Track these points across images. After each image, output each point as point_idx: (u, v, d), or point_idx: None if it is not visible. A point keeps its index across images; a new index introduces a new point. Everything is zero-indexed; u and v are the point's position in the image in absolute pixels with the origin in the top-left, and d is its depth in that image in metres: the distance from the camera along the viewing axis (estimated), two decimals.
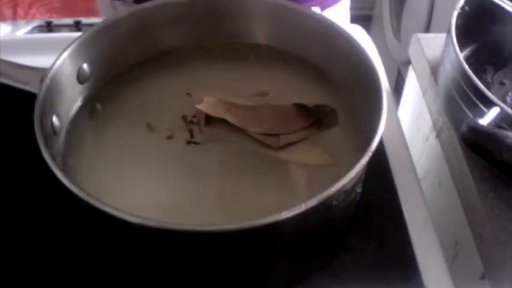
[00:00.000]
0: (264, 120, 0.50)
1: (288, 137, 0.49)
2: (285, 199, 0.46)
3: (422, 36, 0.74)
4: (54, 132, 0.48)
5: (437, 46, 0.71)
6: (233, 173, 0.49)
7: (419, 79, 0.75)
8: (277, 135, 0.49)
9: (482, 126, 0.53)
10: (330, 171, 0.48)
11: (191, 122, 0.52)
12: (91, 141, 0.52)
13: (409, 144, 0.61)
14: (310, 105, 0.50)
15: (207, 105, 0.51)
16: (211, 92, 0.53)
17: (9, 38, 0.73)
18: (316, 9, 0.58)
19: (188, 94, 0.54)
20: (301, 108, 0.50)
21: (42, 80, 0.47)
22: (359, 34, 0.72)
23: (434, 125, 0.69)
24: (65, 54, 0.50)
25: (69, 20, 0.77)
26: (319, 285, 0.48)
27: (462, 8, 0.63)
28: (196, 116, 0.52)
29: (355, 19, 0.89)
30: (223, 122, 0.51)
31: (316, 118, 0.50)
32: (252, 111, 0.51)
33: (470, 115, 0.57)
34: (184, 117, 0.53)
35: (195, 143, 0.51)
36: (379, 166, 0.57)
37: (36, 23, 0.77)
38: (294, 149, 0.49)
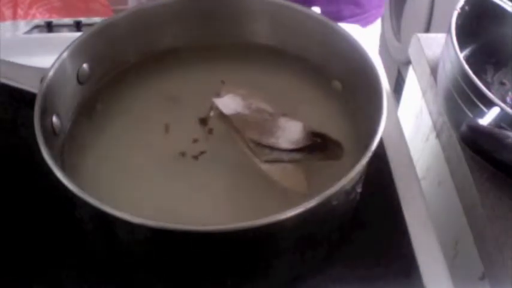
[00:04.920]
0: (265, 130, 0.49)
1: (280, 153, 0.48)
2: (284, 201, 0.46)
3: (422, 36, 0.75)
4: (54, 132, 0.48)
5: (437, 46, 0.71)
6: (230, 175, 0.49)
7: (419, 79, 0.75)
8: (271, 148, 0.49)
9: (482, 126, 0.53)
10: (330, 172, 0.48)
11: (204, 120, 0.52)
12: (91, 141, 0.51)
13: (409, 144, 0.61)
14: (316, 131, 0.48)
15: (223, 101, 0.51)
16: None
17: (9, 38, 0.73)
18: (316, 9, 0.58)
19: (222, 81, 0.55)
20: (308, 130, 0.49)
21: (42, 80, 0.47)
22: (359, 34, 0.72)
23: (434, 125, 0.69)
24: (65, 54, 0.50)
25: (69, 20, 0.77)
26: (319, 285, 0.48)
27: (462, 8, 0.63)
28: (212, 109, 0.52)
29: None
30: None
31: (318, 144, 0.49)
32: (257, 118, 0.50)
33: (470, 115, 0.57)
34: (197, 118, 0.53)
35: (202, 152, 0.51)
36: (379, 166, 0.57)
37: (36, 23, 0.77)
38: (277, 166, 0.48)
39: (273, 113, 0.51)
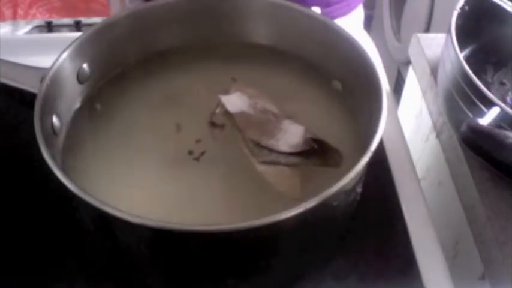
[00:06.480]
0: (266, 131, 0.49)
1: (278, 156, 0.48)
2: (284, 201, 0.46)
3: (422, 36, 0.75)
4: (54, 132, 0.48)
5: (437, 46, 0.71)
6: (231, 175, 0.49)
7: (419, 79, 0.75)
8: (270, 150, 0.49)
9: (482, 126, 0.53)
10: (329, 172, 0.48)
11: (214, 123, 0.52)
12: (91, 141, 0.52)
13: (409, 144, 0.62)
14: (316, 137, 0.48)
15: (229, 98, 0.51)
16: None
17: (9, 38, 0.74)
18: (316, 9, 0.58)
19: (233, 79, 0.55)
20: (308, 135, 0.49)
21: (42, 80, 0.47)
22: (359, 34, 0.72)
23: (434, 125, 0.69)
24: (65, 54, 0.50)
25: (69, 20, 0.77)
26: (319, 285, 0.49)
27: (462, 8, 0.63)
28: (219, 106, 0.52)
29: None
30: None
31: (316, 150, 0.49)
32: (261, 118, 0.50)
33: (470, 115, 0.57)
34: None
35: (203, 152, 0.51)
36: (379, 166, 0.57)
37: (36, 23, 0.77)
38: (274, 169, 0.48)
39: (277, 114, 0.51)
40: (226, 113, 0.51)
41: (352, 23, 0.85)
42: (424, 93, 0.73)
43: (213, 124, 0.52)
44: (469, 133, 0.54)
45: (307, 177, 0.48)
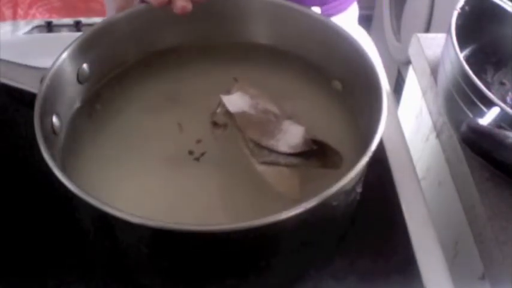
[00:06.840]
0: (266, 131, 0.49)
1: (278, 156, 0.48)
2: (284, 201, 0.46)
3: (422, 36, 0.75)
4: (54, 132, 0.48)
5: (437, 46, 0.71)
6: (231, 175, 0.49)
7: (419, 79, 0.75)
8: (270, 150, 0.49)
9: (482, 126, 0.53)
10: (329, 172, 0.47)
11: (215, 123, 0.52)
12: (91, 141, 0.51)
13: (409, 144, 0.62)
14: (316, 139, 0.48)
15: (230, 98, 0.51)
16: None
17: (9, 38, 0.73)
18: (316, 9, 0.58)
19: (235, 79, 0.55)
20: (309, 136, 0.49)
21: (42, 80, 0.47)
22: (359, 34, 0.73)
23: (434, 125, 0.69)
24: (65, 54, 0.50)
25: (69, 20, 0.77)
26: (319, 285, 0.48)
27: (462, 8, 0.63)
28: (220, 106, 0.52)
29: None
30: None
31: (315, 151, 0.48)
32: (261, 119, 0.50)
33: (470, 115, 0.57)
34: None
35: (203, 153, 0.51)
36: (379, 166, 0.57)
37: (36, 23, 0.77)
38: (274, 169, 0.48)
39: (278, 114, 0.51)
40: (227, 113, 0.51)
41: (347, 20, 0.84)
42: (424, 93, 0.73)
43: (214, 124, 0.52)
44: (469, 133, 0.54)
45: (306, 177, 0.47)
